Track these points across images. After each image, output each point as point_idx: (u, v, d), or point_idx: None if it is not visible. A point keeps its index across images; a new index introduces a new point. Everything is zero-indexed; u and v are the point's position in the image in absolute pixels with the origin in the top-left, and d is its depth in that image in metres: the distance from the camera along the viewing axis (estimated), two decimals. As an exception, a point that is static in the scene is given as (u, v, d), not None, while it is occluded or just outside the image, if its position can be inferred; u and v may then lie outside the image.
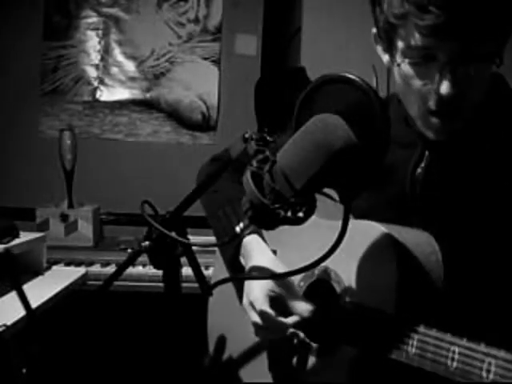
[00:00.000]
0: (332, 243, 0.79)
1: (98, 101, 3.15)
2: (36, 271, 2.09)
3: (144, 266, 2.30)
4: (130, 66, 3.16)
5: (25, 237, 2.03)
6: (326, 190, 0.84)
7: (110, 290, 1.09)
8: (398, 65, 0.95)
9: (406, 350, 0.82)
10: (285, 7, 3.16)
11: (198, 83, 3.19)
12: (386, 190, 1.02)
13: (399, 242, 0.92)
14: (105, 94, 3.15)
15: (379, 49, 1.03)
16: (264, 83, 2.95)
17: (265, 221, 0.80)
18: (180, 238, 0.98)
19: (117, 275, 1.05)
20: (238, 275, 1.19)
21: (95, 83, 3.14)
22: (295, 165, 0.77)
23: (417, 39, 0.90)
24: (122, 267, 1.05)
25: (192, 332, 1.23)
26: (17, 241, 1.96)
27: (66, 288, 1.98)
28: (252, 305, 1.06)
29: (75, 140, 2.66)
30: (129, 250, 2.47)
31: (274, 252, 1.16)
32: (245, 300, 1.09)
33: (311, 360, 1.03)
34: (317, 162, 0.75)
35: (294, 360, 1.07)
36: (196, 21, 3.17)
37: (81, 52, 3.13)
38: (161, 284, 1.03)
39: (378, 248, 0.93)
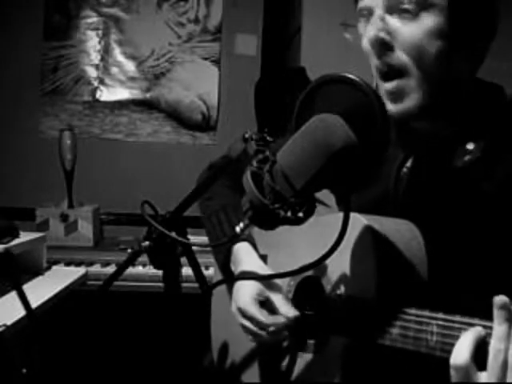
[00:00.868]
0: (331, 243, 0.79)
1: (98, 101, 3.15)
2: (36, 271, 2.10)
3: (144, 266, 2.30)
4: (130, 66, 3.15)
5: (25, 237, 2.03)
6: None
7: (110, 290, 1.09)
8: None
9: (390, 332, 0.82)
10: (285, 7, 3.16)
11: (197, 83, 3.19)
12: (371, 189, 1.02)
13: (377, 230, 0.92)
14: (105, 94, 3.15)
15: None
16: (264, 83, 2.95)
17: (265, 221, 0.80)
18: (180, 238, 0.98)
19: (117, 275, 1.05)
20: (238, 275, 1.19)
21: (95, 83, 3.14)
22: (295, 165, 0.77)
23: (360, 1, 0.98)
24: (122, 267, 1.06)
25: (192, 332, 1.23)
26: (17, 241, 1.96)
27: (66, 288, 1.98)
28: (240, 310, 1.07)
29: (75, 140, 2.67)
30: (129, 250, 2.47)
31: (265, 257, 1.17)
32: (233, 306, 1.10)
33: (306, 358, 1.03)
34: (317, 162, 0.75)
35: (284, 363, 1.07)
36: (196, 21, 3.17)
37: (81, 52, 3.12)
38: (161, 284, 1.04)
39: (358, 238, 0.94)
